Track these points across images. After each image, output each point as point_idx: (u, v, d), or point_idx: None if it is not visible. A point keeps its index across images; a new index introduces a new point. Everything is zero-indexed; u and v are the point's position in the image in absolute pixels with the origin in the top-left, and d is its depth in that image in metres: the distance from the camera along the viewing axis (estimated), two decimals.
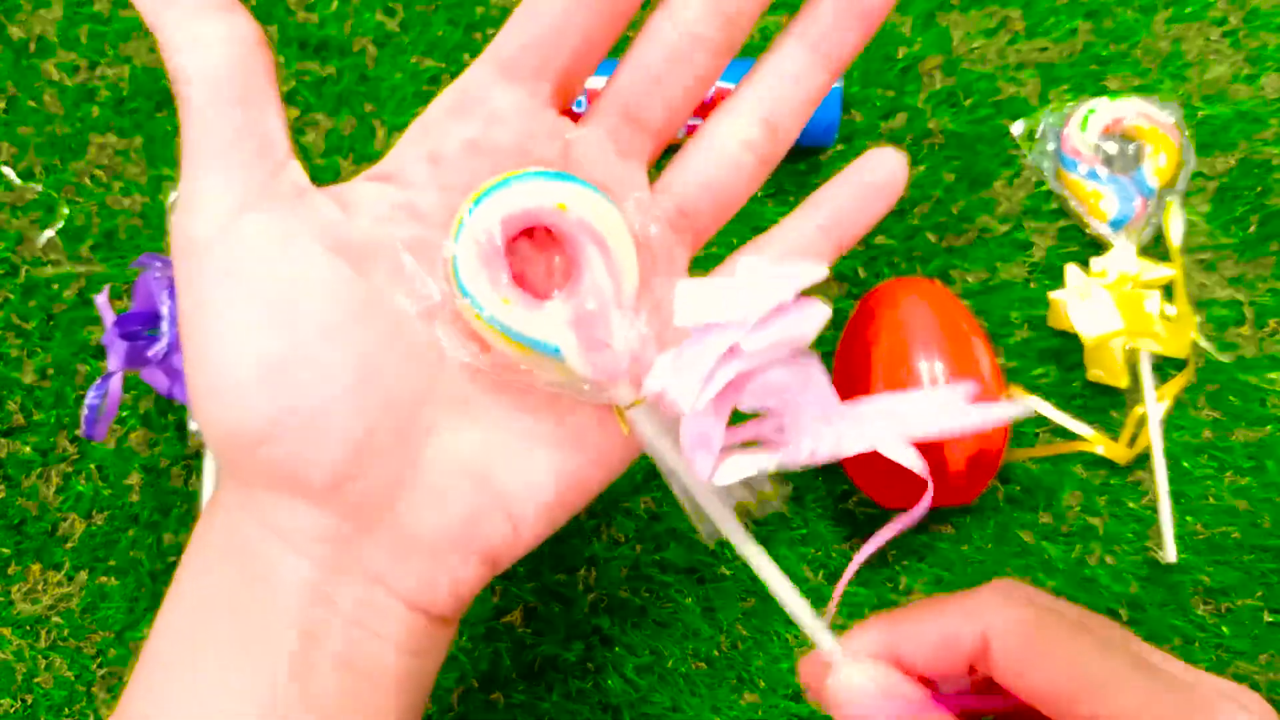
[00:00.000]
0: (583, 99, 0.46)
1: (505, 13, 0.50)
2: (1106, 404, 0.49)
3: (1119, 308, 0.46)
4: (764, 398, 0.24)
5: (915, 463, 0.25)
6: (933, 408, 0.25)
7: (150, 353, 0.38)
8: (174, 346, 0.40)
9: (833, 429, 0.24)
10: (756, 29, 0.50)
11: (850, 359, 0.45)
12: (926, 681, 0.24)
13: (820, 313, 0.24)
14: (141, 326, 0.39)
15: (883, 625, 0.25)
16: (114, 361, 0.36)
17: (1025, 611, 0.23)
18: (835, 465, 0.45)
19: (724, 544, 0.49)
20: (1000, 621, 0.23)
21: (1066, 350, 0.49)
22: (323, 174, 0.49)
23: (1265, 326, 0.49)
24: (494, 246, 0.25)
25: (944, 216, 0.50)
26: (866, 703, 0.23)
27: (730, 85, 0.48)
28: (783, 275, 0.23)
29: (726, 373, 0.23)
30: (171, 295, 0.41)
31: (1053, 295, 0.47)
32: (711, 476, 0.24)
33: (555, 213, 0.25)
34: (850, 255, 0.49)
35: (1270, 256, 0.49)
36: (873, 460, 0.44)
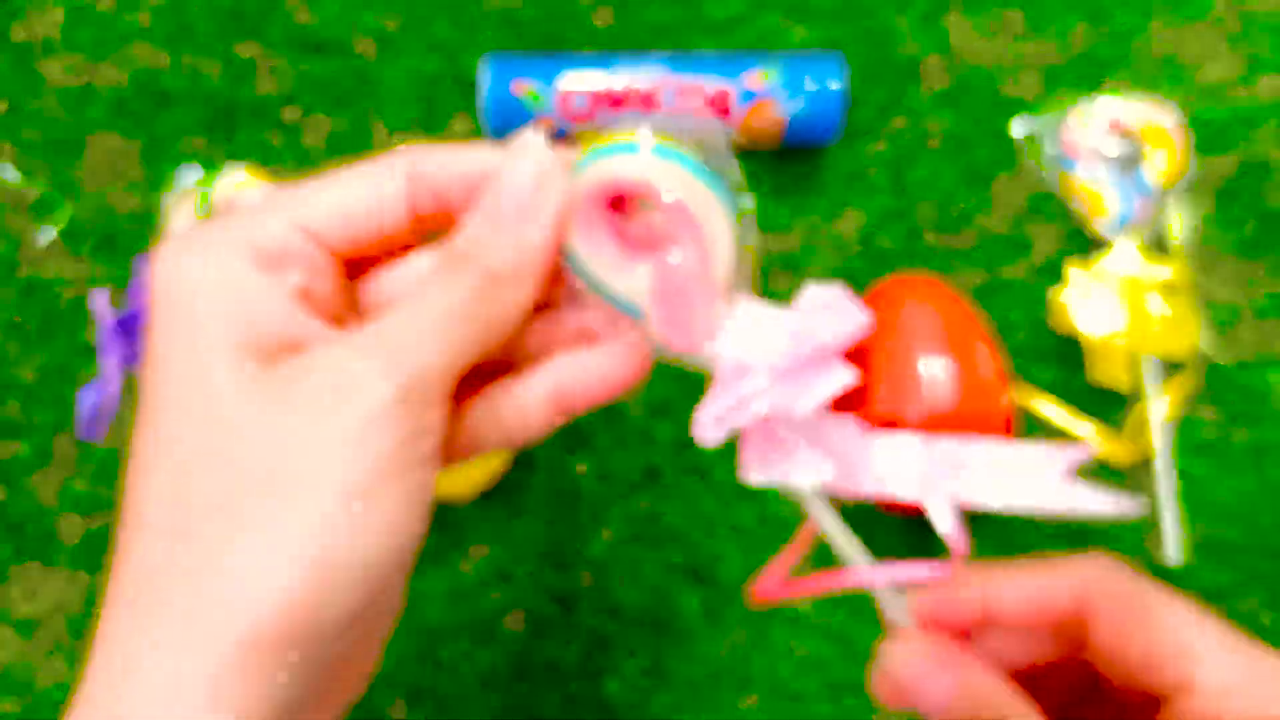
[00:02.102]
0: (583, 99, 0.46)
1: (504, 14, 0.50)
2: (1109, 405, 0.49)
3: (1120, 308, 0.46)
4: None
5: (953, 533, 0.24)
6: (1022, 470, 0.24)
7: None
8: None
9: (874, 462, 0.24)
10: (756, 29, 0.50)
11: (850, 359, 0.45)
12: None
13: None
14: (137, 327, 0.39)
15: (981, 578, 0.26)
16: (105, 362, 0.36)
17: (1129, 578, 0.24)
18: None
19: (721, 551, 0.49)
20: (1106, 584, 0.24)
21: (1068, 351, 0.49)
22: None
23: (1265, 327, 0.49)
24: (596, 202, 0.26)
25: (945, 216, 0.50)
26: (917, 675, 0.25)
27: (725, 83, 0.49)
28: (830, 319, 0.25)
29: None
30: None
31: (1054, 296, 0.47)
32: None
33: (656, 189, 0.26)
34: (851, 255, 0.49)
35: (1269, 257, 0.49)
36: None
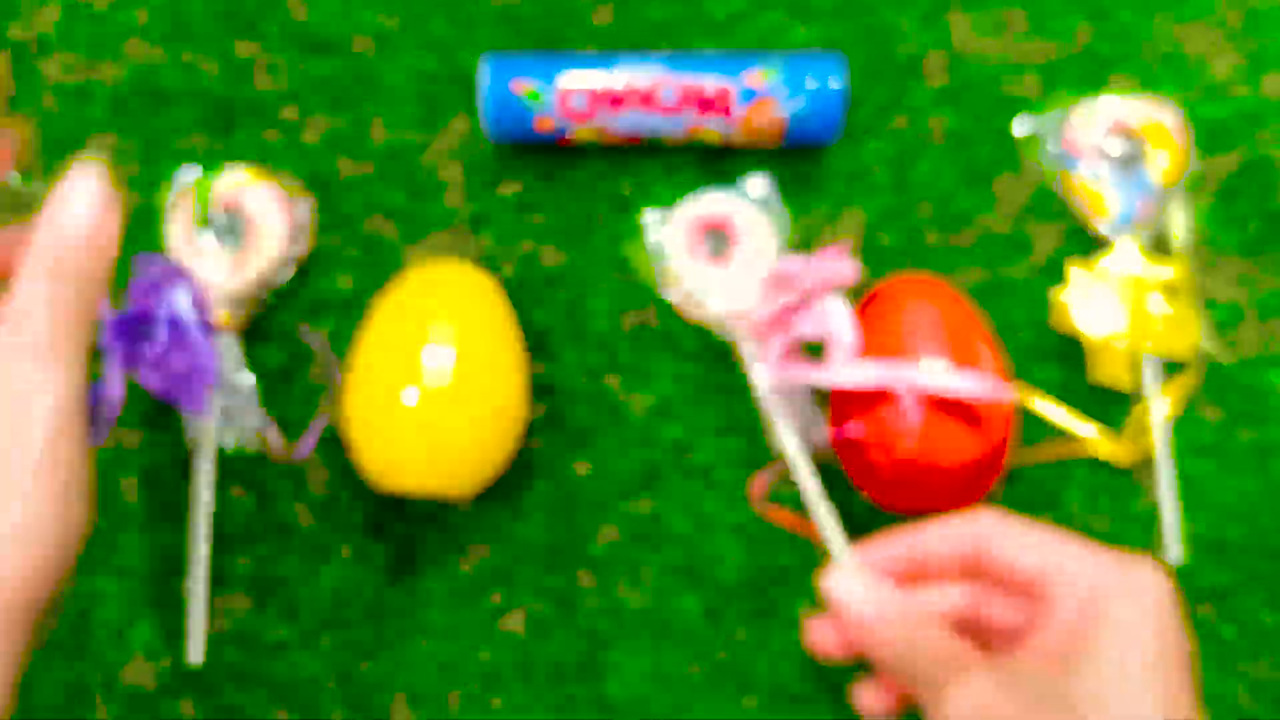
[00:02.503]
0: (583, 98, 0.46)
1: (503, 12, 0.50)
2: (1110, 405, 0.49)
3: (1122, 307, 0.46)
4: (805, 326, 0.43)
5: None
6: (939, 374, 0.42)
7: (147, 355, 0.38)
8: (171, 347, 0.39)
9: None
10: (757, 27, 0.50)
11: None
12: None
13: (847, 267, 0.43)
14: (137, 327, 0.38)
15: (907, 529, 0.37)
16: (107, 363, 0.36)
17: (1009, 517, 0.36)
18: (840, 470, 0.45)
19: (720, 548, 0.48)
20: (993, 523, 0.36)
21: (1069, 351, 0.48)
22: (321, 172, 0.49)
23: (1268, 326, 0.49)
24: (690, 229, 0.46)
25: (946, 215, 0.49)
26: (856, 601, 0.34)
27: (725, 82, 0.48)
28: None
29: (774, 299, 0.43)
30: (167, 296, 0.40)
31: (1055, 295, 0.47)
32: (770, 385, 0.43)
33: (725, 217, 0.46)
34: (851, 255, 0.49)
35: (1272, 256, 0.49)
36: (875, 466, 0.44)
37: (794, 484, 0.42)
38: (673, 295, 0.46)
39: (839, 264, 0.43)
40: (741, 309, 0.44)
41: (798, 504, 0.44)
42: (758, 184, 0.46)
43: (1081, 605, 0.32)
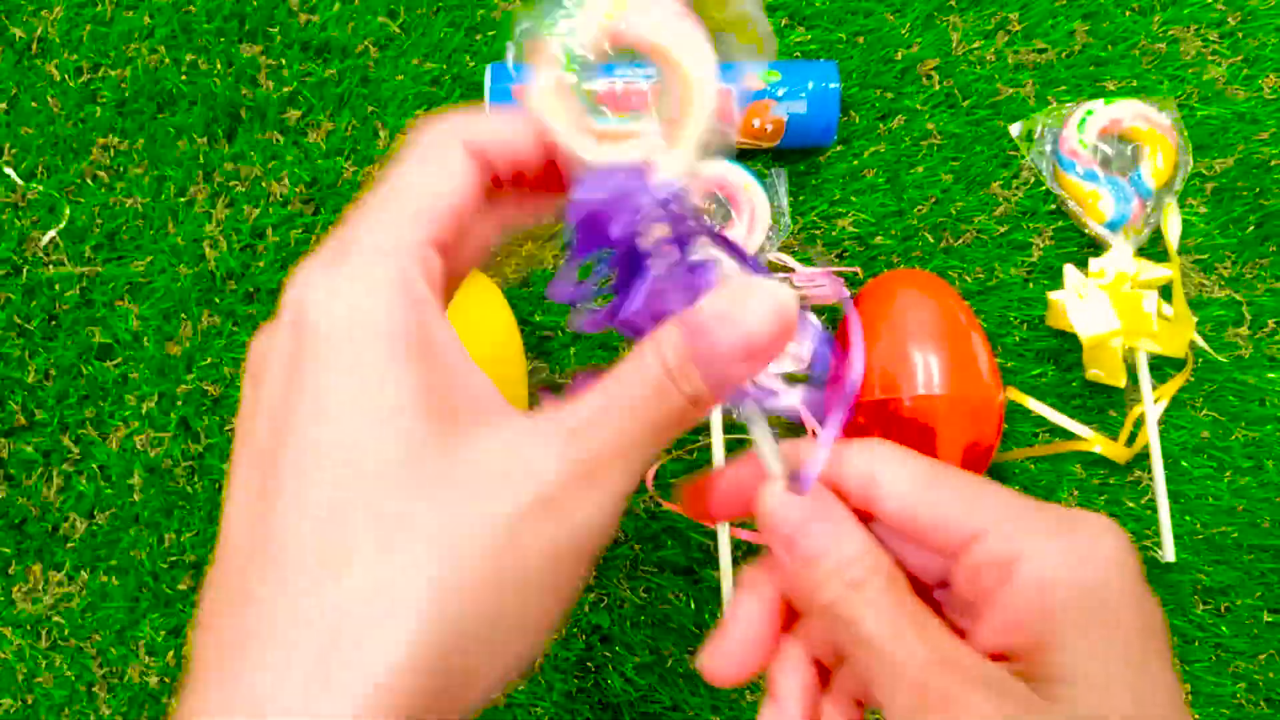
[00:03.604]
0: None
1: (507, 16, 0.50)
2: (1104, 404, 0.49)
3: (1116, 308, 0.46)
4: None
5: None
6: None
7: (619, 315, 0.27)
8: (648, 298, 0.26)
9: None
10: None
11: (844, 350, 0.46)
12: None
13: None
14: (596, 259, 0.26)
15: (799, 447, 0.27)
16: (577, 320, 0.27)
17: (913, 463, 0.26)
18: None
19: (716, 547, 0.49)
20: (891, 469, 0.25)
21: (1064, 350, 0.49)
22: (324, 175, 0.50)
23: (1263, 327, 0.49)
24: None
25: (942, 217, 0.50)
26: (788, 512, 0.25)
27: (725, 84, 0.49)
28: None
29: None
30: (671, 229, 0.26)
31: (1051, 295, 0.47)
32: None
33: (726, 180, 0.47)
34: (849, 255, 0.50)
35: (1268, 257, 0.50)
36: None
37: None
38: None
39: (826, 284, 0.45)
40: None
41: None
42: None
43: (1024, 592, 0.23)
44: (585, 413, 0.22)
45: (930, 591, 0.26)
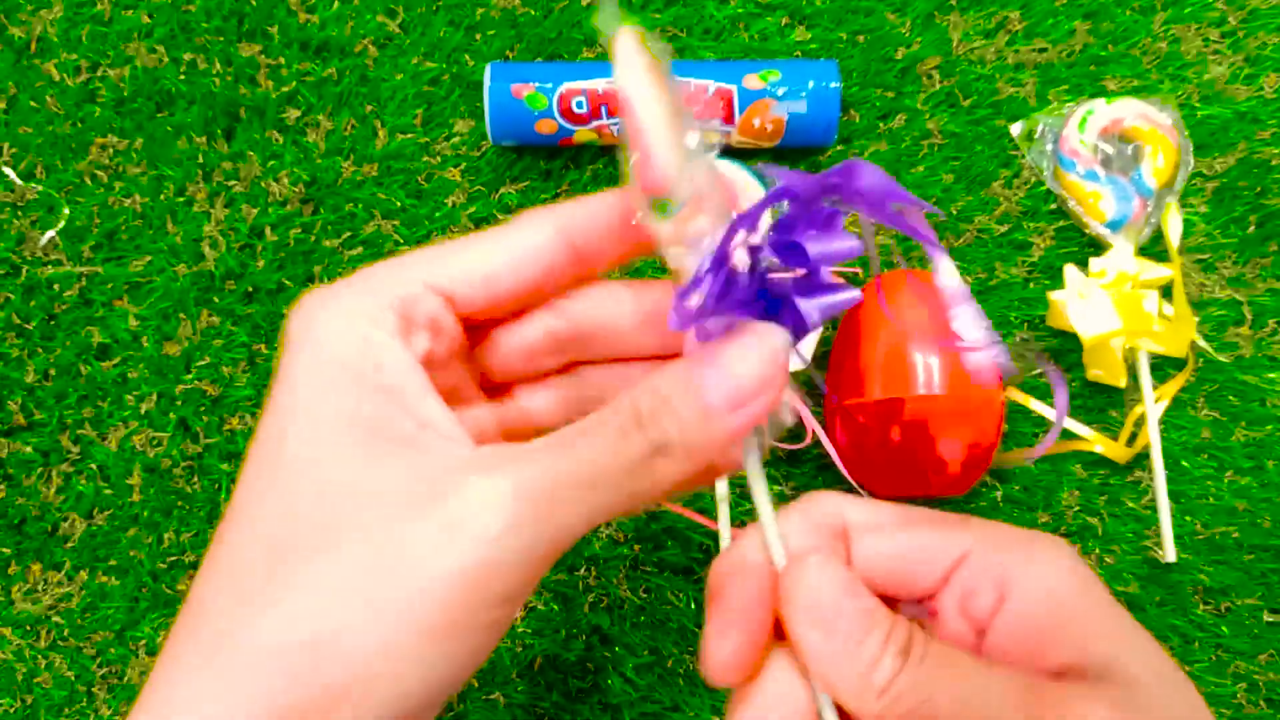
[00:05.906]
0: (583, 100, 0.47)
1: (505, 15, 0.50)
2: (1105, 404, 0.49)
3: (1117, 308, 0.46)
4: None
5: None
6: None
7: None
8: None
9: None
10: (756, 29, 0.50)
11: (846, 353, 0.45)
12: None
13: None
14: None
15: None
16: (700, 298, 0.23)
17: (878, 505, 0.25)
18: (834, 465, 0.45)
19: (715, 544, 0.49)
20: (861, 513, 0.25)
21: (1065, 350, 0.49)
22: (323, 174, 0.50)
23: (1264, 327, 0.49)
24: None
25: (943, 216, 0.50)
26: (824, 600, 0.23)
27: (725, 84, 0.49)
28: None
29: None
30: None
31: (1052, 295, 0.47)
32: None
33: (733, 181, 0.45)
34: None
35: (1269, 256, 0.50)
36: (870, 457, 0.44)
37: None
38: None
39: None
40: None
41: None
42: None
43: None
44: (534, 445, 0.22)
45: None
